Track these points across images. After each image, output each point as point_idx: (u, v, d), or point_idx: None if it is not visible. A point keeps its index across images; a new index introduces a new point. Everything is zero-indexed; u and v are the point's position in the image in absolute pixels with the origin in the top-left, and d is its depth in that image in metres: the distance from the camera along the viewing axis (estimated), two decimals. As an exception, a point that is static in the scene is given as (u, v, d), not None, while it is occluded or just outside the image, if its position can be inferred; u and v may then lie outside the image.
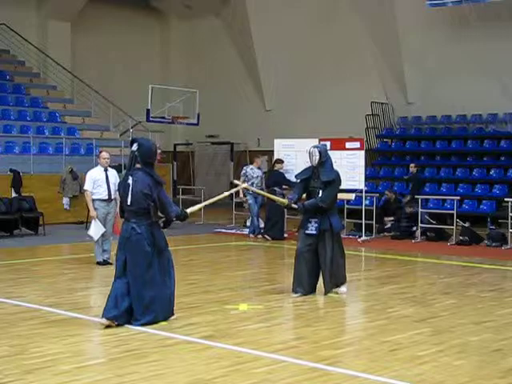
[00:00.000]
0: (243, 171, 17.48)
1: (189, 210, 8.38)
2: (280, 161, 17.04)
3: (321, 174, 9.70)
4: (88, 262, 12.66)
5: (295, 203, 9.82)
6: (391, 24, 23.84)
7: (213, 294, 9.95)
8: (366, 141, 21.48)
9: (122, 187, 8.01)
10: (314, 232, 9.68)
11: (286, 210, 15.57)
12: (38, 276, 11.55)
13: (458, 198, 17.57)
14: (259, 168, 17.57)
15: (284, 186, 16.75)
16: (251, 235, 17.20)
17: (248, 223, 18.57)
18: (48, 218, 17.33)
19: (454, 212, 16.44)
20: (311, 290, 9.83)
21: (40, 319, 8.28)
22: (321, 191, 9.66)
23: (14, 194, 18.08)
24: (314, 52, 26.02)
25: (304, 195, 9.99)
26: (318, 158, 9.68)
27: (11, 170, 18.82)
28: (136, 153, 7.90)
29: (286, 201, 10.02)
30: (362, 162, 16.76)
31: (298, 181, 10.15)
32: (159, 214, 8.05)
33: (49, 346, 7.09)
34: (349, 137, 18.29)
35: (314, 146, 9.88)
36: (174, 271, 8.21)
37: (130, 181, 7.90)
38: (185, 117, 23.75)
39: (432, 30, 23.18)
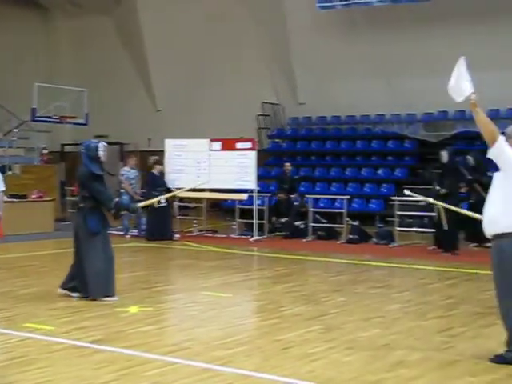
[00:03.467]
0: (122, 172, 17.22)
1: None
2: (158, 162, 16.94)
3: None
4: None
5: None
6: (282, 25, 24.09)
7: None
8: (258, 141, 21.60)
9: None
10: None
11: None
12: None
13: (348, 197, 17.90)
14: (133, 168, 17.40)
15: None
16: (127, 236, 16.99)
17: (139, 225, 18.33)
18: None
19: (344, 211, 16.75)
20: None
21: None
22: None
23: None
24: (206, 52, 25.95)
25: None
26: None
27: None
28: None
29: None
30: (254, 162, 16.85)
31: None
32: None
33: None
34: (240, 137, 18.34)
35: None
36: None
37: None
38: (72, 116, 23.22)
39: (322, 31, 23.55)
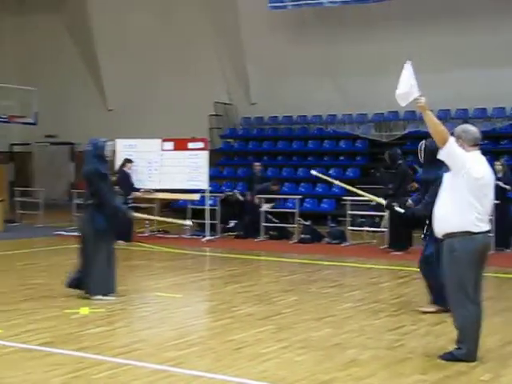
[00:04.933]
0: None
1: None
2: (129, 161, 16.73)
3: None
4: None
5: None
6: (235, 25, 24.09)
7: (52, 298, 9.57)
8: (210, 141, 21.55)
9: None
10: None
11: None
12: None
13: (300, 197, 17.97)
14: None
15: None
16: None
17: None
18: None
19: (296, 211, 16.80)
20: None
21: None
22: None
23: None
24: (157, 51, 25.83)
25: None
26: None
27: None
28: None
29: None
30: (206, 162, 16.81)
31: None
32: None
33: None
34: (192, 137, 18.26)
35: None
36: None
37: None
38: (21, 116, 22.87)
39: (274, 31, 23.62)
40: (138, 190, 16.57)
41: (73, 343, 7.19)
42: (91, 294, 9.41)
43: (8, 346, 7.08)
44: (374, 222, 16.76)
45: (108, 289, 9.52)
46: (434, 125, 6.47)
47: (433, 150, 8.58)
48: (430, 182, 8.80)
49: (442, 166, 8.62)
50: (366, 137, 21.95)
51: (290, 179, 21.93)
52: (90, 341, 7.31)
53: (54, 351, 6.90)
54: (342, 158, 22.30)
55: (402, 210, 9.39)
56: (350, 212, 16.20)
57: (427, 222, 8.65)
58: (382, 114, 22.27)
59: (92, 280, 9.41)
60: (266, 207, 17.14)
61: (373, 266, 12.93)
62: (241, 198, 18.18)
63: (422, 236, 9.07)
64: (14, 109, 22.69)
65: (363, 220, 17.00)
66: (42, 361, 6.60)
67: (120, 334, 7.83)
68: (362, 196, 10.22)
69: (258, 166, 18.55)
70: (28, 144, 29.48)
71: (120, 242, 15.90)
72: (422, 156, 9.06)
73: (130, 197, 15.81)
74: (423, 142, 9.01)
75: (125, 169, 16.63)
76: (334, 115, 23.11)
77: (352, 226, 16.33)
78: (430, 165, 8.80)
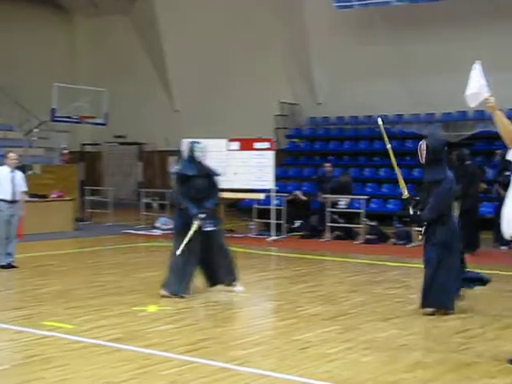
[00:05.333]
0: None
1: None
2: None
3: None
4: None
5: None
6: (300, 24, 24.09)
7: (121, 295, 9.78)
8: (276, 141, 21.61)
9: None
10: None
11: None
12: None
13: (366, 197, 17.87)
14: None
15: None
16: None
17: (157, 224, 18.43)
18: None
19: (362, 211, 16.71)
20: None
21: None
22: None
23: None
24: (224, 52, 26.01)
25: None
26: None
27: None
28: None
29: None
30: (272, 162, 16.86)
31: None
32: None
33: None
34: (258, 137, 18.34)
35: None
36: None
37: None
38: (92, 116, 23.31)
39: (340, 31, 23.52)
40: None
41: (141, 340, 7.33)
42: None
43: (79, 341, 7.26)
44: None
45: (180, 290, 9.58)
46: (503, 125, 6.39)
47: (436, 150, 8.49)
48: (435, 183, 8.55)
49: (445, 167, 8.49)
50: (434, 137, 21.64)
51: (356, 179, 21.78)
52: (157, 338, 7.44)
53: (122, 347, 7.04)
54: (408, 158, 22.04)
55: (412, 212, 9.27)
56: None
57: (426, 224, 8.66)
58: (450, 113, 21.97)
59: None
60: (342, 204, 17.11)
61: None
62: (303, 198, 18.18)
63: (421, 238, 8.93)
64: (85, 109, 23.14)
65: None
66: (111, 356, 6.75)
67: (187, 331, 7.93)
68: (398, 178, 9.97)
69: (328, 166, 18.41)
70: (98, 144, 30.07)
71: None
72: (422, 156, 8.60)
73: None
74: (423, 141, 8.64)
75: None
76: (401, 115, 22.89)
77: (418, 226, 16.10)
78: (434, 165, 8.55)
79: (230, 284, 9.92)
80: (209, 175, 9.77)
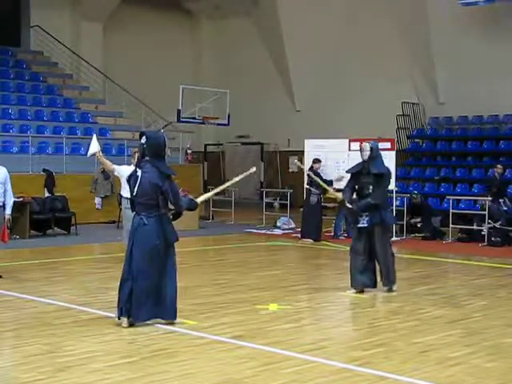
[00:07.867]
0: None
1: (199, 200, 8.50)
2: (317, 160, 16.91)
3: (371, 168, 9.89)
4: (120, 261, 12.72)
5: (350, 203, 9.98)
6: (422, 24, 23.70)
7: (243, 293, 9.98)
8: (397, 141, 21.38)
9: (132, 180, 7.98)
10: (366, 225, 9.84)
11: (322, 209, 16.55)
12: (71, 275, 11.66)
13: (490, 198, 17.39)
14: None
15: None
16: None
17: (278, 223, 18.62)
18: (79, 217, 17.38)
19: (486, 213, 16.29)
20: (366, 285, 10.01)
21: (72, 318, 8.36)
22: (371, 186, 9.87)
23: (47, 194, 18.21)
24: (344, 52, 25.96)
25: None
26: (368, 152, 9.90)
27: (44, 170, 18.99)
28: (144, 145, 7.94)
29: (339, 195, 10.58)
30: (393, 163, 16.69)
31: (349, 176, 10.37)
32: (169, 206, 8.00)
33: (81, 344, 7.16)
34: (379, 137, 18.20)
35: (368, 142, 10.11)
36: (176, 274, 7.99)
37: (139, 173, 7.93)
38: (215, 117, 23.79)
39: (463, 29, 22.99)
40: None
41: (262, 338, 7.46)
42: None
43: (203, 337, 7.48)
44: None
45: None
46: None
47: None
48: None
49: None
50: None
51: (479, 180, 21.26)
52: (278, 336, 7.55)
53: (244, 344, 7.20)
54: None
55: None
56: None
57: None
58: None
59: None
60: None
61: None
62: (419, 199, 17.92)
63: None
64: (209, 110, 23.63)
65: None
66: (233, 353, 6.92)
67: (307, 331, 8.02)
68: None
69: (501, 168, 17.76)
70: (220, 144, 30.64)
71: (308, 240, 16.28)
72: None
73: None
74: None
75: (314, 169, 16.76)
76: (527, 114, 22.15)
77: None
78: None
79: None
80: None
